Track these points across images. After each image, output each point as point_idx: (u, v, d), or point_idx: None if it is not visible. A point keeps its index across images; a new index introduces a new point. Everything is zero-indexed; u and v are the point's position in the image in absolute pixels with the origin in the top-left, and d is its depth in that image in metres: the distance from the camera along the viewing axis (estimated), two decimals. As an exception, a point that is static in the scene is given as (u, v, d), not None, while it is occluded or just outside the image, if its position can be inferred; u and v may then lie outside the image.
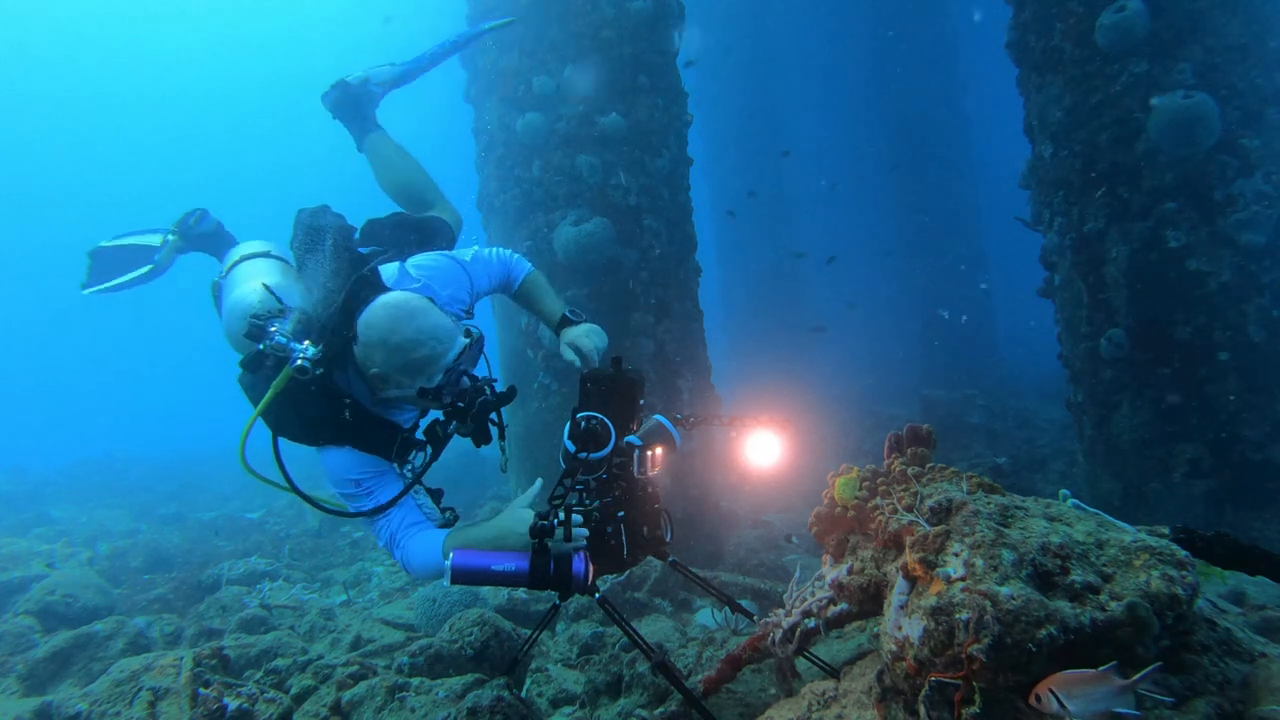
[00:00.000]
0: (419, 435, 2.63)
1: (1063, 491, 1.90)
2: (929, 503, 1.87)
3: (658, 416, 2.48)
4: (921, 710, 1.57)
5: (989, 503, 1.79)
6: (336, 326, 2.38)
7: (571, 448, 2.35)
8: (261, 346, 2.35)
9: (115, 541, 8.29)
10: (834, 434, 10.90)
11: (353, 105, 3.67)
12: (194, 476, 14.61)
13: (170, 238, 3.54)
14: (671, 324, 6.30)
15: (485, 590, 5.11)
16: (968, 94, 18.77)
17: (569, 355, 2.79)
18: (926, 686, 1.57)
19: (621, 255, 6.10)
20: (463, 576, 2.17)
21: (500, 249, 3.00)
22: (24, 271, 49.26)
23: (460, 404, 2.40)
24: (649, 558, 2.51)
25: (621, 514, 2.33)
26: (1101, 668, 1.32)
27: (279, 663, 3.78)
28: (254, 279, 2.77)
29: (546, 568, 2.19)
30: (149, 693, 3.00)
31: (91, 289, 3.59)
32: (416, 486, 2.59)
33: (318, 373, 2.32)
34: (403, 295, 2.41)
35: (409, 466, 2.58)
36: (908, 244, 18.12)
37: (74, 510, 10.91)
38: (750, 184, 17.22)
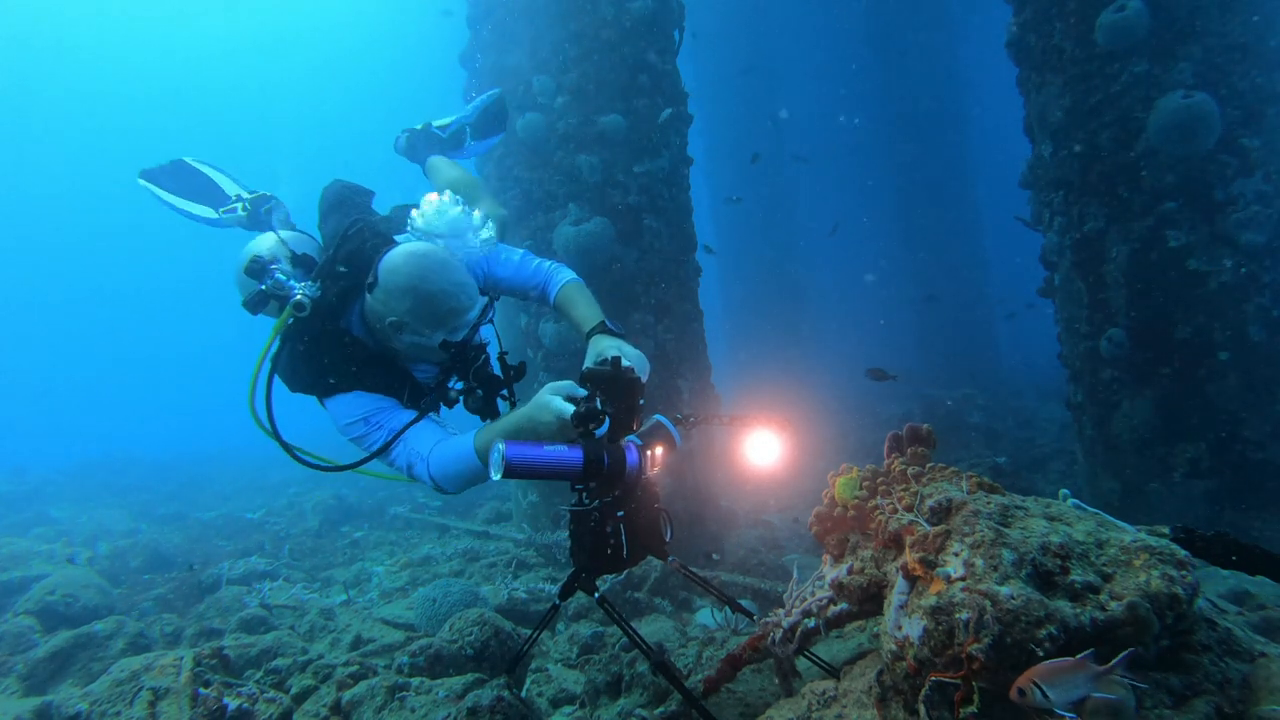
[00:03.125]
0: (430, 390, 2.62)
1: (1063, 491, 1.90)
2: (929, 502, 1.87)
3: (658, 416, 2.47)
4: (921, 710, 1.57)
5: (989, 502, 1.79)
6: (340, 270, 2.40)
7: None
8: (263, 286, 2.39)
9: (115, 541, 8.29)
10: (834, 434, 10.91)
11: (421, 147, 3.98)
12: (194, 476, 14.63)
13: (241, 210, 3.45)
14: (671, 324, 6.30)
15: (485, 590, 5.11)
16: (968, 94, 18.77)
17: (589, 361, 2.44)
18: (926, 686, 1.57)
19: (621, 255, 6.10)
20: (516, 469, 1.99)
21: (543, 260, 2.88)
22: (24, 272, 49.27)
23: (469, 356, 2.43)
24: (649, 558, 2.50)
25: (621, 514, 2.33)
26: (1079, 655, 1.34)
27: (279, 662, 3.78)
28: (264, 237, 2.83)
29: (600, 457, 2.09)
30: (149, 692, 3.00)
31: (146, 182, 3.54)
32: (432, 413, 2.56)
33: (312, 313, 2.34)
34: (427, 245, 2.44)
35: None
36: (908, 243, 18.13)
37: (74, 510, 10.91)
38: (749, 184, 17.21)
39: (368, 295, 2.41)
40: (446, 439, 2.43)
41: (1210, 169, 4.75)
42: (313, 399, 2.54)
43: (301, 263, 2.57)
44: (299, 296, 2.34)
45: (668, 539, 2.47)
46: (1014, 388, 13.31)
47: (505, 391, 2.61)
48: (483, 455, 2.31)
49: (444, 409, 2.73)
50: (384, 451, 2.41)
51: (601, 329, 2.59)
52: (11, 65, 40.11)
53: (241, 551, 7.73)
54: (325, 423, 2.55)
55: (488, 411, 2.59)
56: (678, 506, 5.75)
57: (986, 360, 15.57)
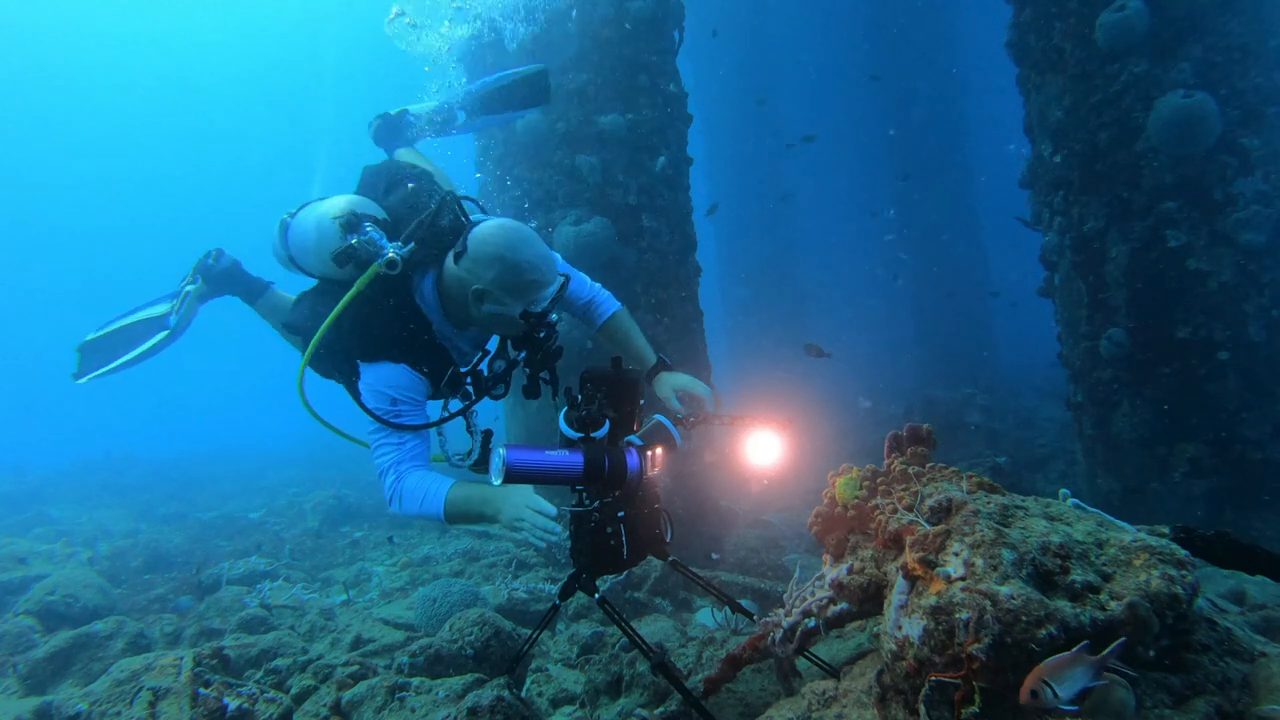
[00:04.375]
0: (467, 380, 2.69)
1: (1063, 491, 1.90)
2: (929, 502, 1.87)
3: (658, 416, 2.48)
4: (921, 710, 1.57)
5: (989, 502, 1.79)
6: (426, 235, 2.46)
7: (568, 431, 2.34)
8: (354, 240, 2.41)
9: (115, 541, 8.28)
10: (834, 434, 10.91)
11: (390, 132, 3.88)
12: (194, 476, 14.62)
13: (190, 286, 3.45)
14: (671, 324, 6.29)
15: (485, 590, 5.11)
16: (967, 94, 18.77)
17: (674, 403, 2.79)
18: (926, 686, 1.57)
19: (621, 255, 6.09)
20: (517, 473, 2.09)
21: (585, 276, 3.00)
22: (24, 271, 49.26)
23: (541, 334, 2.49)
24: (649, 558, 2.51)
25: (621, 514, 2.33)
26: (1074, 649, 1.34)
27: (279, 662, 3.78)
28: (338, 199, 2.81)
29: (601, 461, 2.17)
30: (149, 692, 3.00)
31: (87, 377, 3.51)
32: (441, 429, 2.62)
33: (399, 275, 2.39)
34: (515, 221, 2.52)
35: (452, 401, 2.66)
36: (908, 243, 18.13)
37: (74, 510, 10.90)
38: (748, 184, 17.19)
39: (452, 264, 2.43)
40: (428, 471, 2.47)
41: (1210, 169, 4.75)
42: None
43: (383, 225, 2.57)
44: (391, 254, 2.37)
45: (668, 539, 2.47)
46: (1014, 388, 13.29)
47: (546, 374, 2.63)
48: (449, 510, 2.35)
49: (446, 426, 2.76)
50: (384, 433, 2.44)
51: (663, 366, 2.93)
52: (12, 54, 39.92)
53: (241, 551, 7.72)
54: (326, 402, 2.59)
55: (531, 389, 2.62)
56: (678, 506, 5.75)
57: (986, 360, 15.56)
